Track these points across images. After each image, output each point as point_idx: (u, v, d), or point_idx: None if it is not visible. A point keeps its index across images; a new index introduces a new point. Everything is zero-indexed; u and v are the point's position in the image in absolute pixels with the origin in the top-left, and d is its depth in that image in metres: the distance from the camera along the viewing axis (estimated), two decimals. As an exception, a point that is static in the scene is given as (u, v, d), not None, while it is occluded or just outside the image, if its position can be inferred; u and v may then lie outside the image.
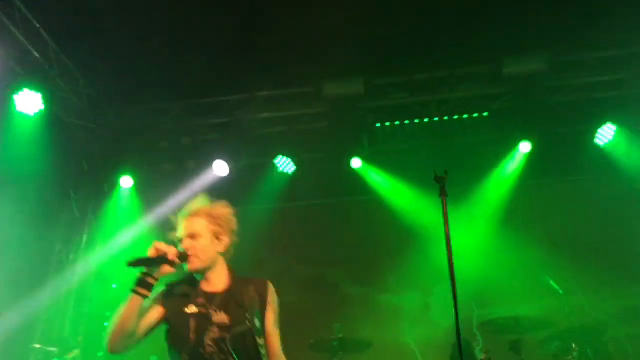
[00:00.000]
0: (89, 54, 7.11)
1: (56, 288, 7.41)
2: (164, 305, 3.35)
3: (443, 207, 3.79)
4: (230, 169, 8.28)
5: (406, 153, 8.38)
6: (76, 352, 6.30)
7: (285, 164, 8.43)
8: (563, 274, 6.78)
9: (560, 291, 6.43)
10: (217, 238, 3.48)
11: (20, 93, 6.66)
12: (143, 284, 3.19)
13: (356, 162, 8.35)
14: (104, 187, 8.39)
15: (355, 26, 6.76)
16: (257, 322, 3.33)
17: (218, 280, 3.46)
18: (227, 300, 3.37)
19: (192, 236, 3.43)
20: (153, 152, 8.35)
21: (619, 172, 7.91)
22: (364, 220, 8.52)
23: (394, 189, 8.46)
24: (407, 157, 8.33)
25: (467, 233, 7.69)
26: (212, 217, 3.49)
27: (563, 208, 7.87)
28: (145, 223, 7.95)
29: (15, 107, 6.67)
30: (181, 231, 3.47)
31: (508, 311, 6.66)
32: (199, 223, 3.46)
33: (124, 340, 3.19)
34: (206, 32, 6.83)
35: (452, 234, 3.75)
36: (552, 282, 6.49)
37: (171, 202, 7.86)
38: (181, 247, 3.40)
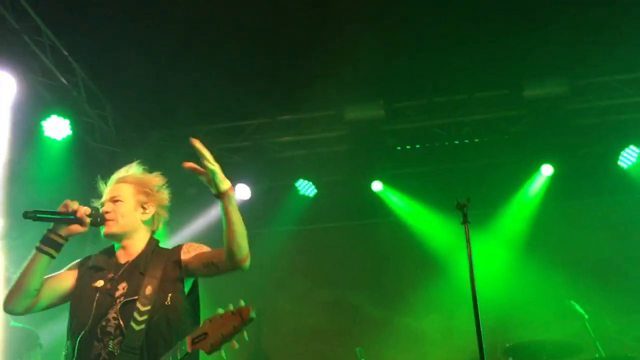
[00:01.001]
0: (115, 80, 7.29)
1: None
2: (77, 275, 3.13)
3: (466, 234, 3.79)
4: (252, 192, 8.35)
5: (426, 176, 8.39)
6: None
7: (306, 187, 8.49)
8: (588, 298, 6.67)
9: (586, 315, 6.32)
10: (142, 207, 3.23)
11: (48, 119, 6.84)
12: (47, 242, 2.97)
13: (377, 185, 8.38)
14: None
15: (376, 50, 6.82)
16: (168, 294, 2.99)
17: (134, 250, 3.17)
18: (132, 270, 3.09)
19: (113, 200, 3.18)
20: (176, 175, 8.45)
21: (643, 194, 7.83)
22: (385, 243, 8.50)
23: (414, 211, 8.45)
24: (427, 179, 8.34)
25: (488, 256, 7.64)
26: (140, 186, 3.27)
27: (586, 231, 7.77)
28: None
29: (43, 132, 6.84)
30: (105, 196, 3.23)
31: (532, 335, 6.56)
32: (124, 188, 3.23)
33: (21, 300, 2.97)
34: (228, 57, 6.95)
35: (474, 257, 3.75)
36: (576, 306, 6.39)
37: (194, 226, 7.96)
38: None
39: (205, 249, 3.19)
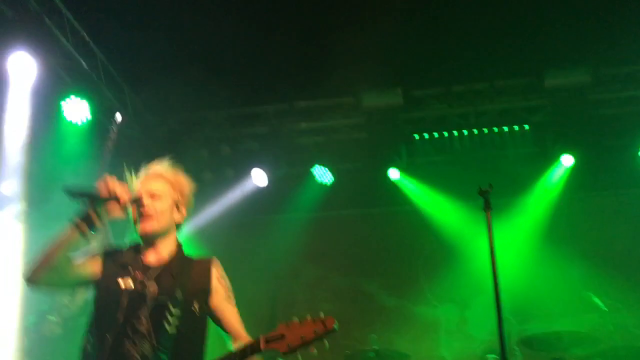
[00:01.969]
0: (134, 64, 7.31)
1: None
2: (102, 264, 3.00)
3: (487, 220, 3.68)
4: (269, 178, 8.36)
5: (444, 164, 8.33)
6: None
7: (323, 174, 8.47)
8: (607, 290, 6.60)
9: (604, 308, 6.25)
10: (177, 207, 3.10)
11: (68, 100, 6.88)
12: (85, 219, 2.85)
13: (394, 173, 8.34)
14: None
15: (394, 37, 6.76)
16: (195, 303, 2.98)
17: (165, 252, 3.05)
18: (163, 273, 2.99)
19: (152, 196, 3.01)
20: (193, 160, 8.50)
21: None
22: (401, 231, 8.48)
23: (431, 200, 8.40)
24: (444, 168, 8.28)
25: (507, 246, 7.54)
26: (176, 185, 3.12)
27: (607, 222, 7.68)
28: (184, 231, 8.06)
29: (63, 114, 6.89)
30: (140, 187, 3.04)
31: (549, 327, 6.48)
32: (162, 185, 3.07)
33: (46, 272, 2.85)
34: (247, 42, 6.94)
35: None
36: (595, 298, 6.32)
37: (210, 211, 7.98)
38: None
39: (230, 309, 3.10)
